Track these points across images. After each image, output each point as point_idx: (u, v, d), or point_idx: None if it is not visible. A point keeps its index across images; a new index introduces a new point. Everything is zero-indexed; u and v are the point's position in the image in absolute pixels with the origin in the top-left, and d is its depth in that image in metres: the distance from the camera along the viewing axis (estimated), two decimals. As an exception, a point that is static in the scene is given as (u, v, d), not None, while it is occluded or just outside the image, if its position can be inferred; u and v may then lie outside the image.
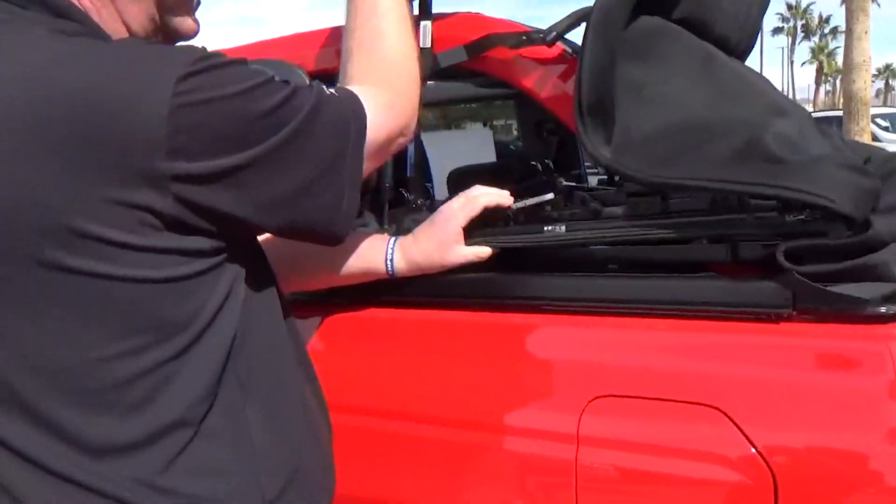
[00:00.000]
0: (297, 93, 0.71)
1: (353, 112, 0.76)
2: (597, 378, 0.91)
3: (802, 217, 0.86)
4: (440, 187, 2.00)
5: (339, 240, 0.78)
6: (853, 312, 0.82)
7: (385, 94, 0.82)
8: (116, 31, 0.73)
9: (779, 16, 61.71)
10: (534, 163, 2.18)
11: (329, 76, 0.96)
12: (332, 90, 0.76)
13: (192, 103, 0.62)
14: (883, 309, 0.81)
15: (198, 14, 0.82)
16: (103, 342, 0.64)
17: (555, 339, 0.99)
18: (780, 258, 0.83)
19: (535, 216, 1.04)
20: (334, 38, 1.21)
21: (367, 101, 0.77)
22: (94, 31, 0.70)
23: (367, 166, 0.80)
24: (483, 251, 1.00)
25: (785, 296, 0.85)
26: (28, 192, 0.60)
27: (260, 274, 0.78)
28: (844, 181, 0.85)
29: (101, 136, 0.60)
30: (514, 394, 0.95)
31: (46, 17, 0.67)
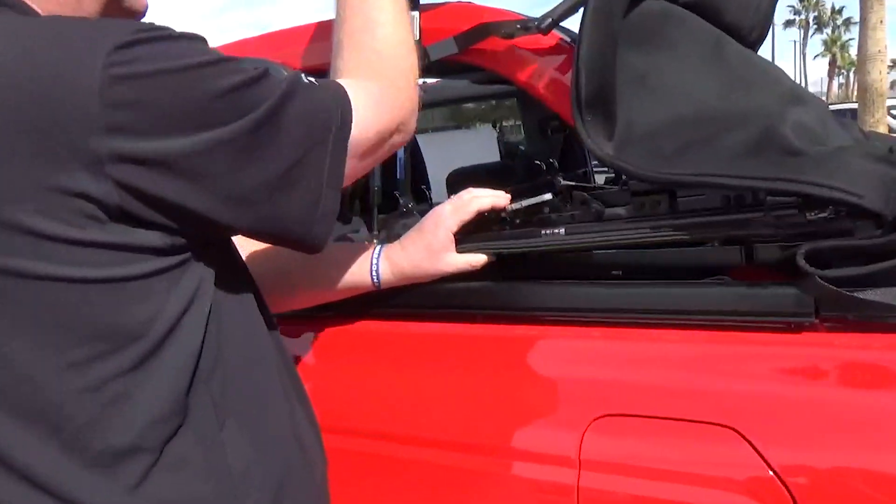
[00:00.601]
0: (266, 76, 0.64)
1: (336, 104, 0.69)
2: (599, 395, 0.85)
3: (825, 215, 0.81)
4: (440, 190, 1.94)
5: (315, 245, 0.70)
6: (882, 321, 0.77)
7: (376, 87, 0.76)
8: (75, 8, 0.68)
9: (790, 8, 61.63)
10: (538, 162, 2.12)
11: (319, 74, 0.90)
12: (312, 79, 0.70)
13: (130, 76, 0.56)
14: (916, 317, 0.75)
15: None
16: (41, 355, 0.58)
17: (553, 352, 0.94)
18: (801, 261, 0.78)
19: (533, 219, 0.98)
20: (326, 33, 1.15)
21: (354, 94, 0.71)
22: (20, 9, 0.64)
23: (359, 166, 0.74)
24: (476, 259, 0.94)
25: (806, 302, 0.79)
26: None
27: (235, 282, 0.72)
28: (872, 174, 0.79)
29: (27, 113, 0.54)
30: (509, 413, 0.90)
31: None
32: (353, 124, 0.69)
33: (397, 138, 0.78)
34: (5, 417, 0.59)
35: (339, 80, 0.73)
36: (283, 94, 0.64)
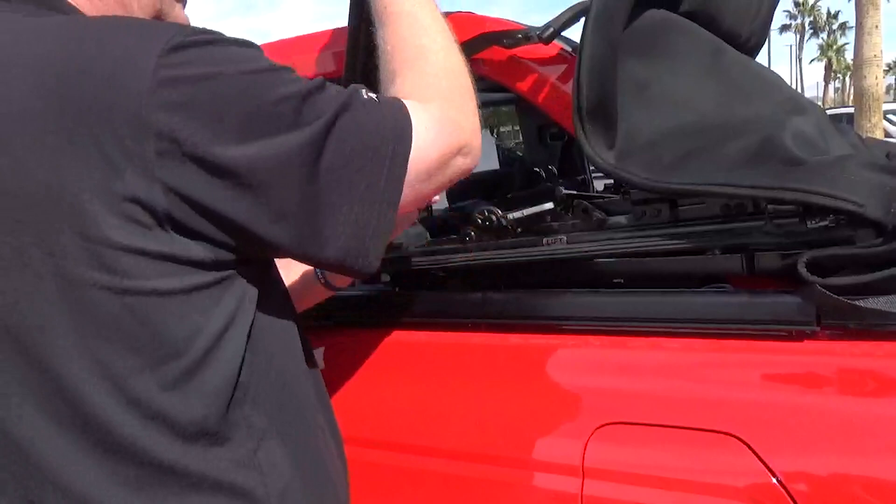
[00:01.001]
0: (324, 88, 0.62)
1: (395, 120, 0.65)
2: (603, 404, 0.85)
3: (826, 223, 0.81)
4: (440, 197, 1.94)
5: (366, 265, 0.65)
6: (884, 329, 0.76)
7: (437, 107, 0.71)
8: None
9: (786, 13, 61.74)
10: (537, 169, 2.12)
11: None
12: (372, 95, 0.66)
13: (180, 78, 0.54)
14: (918, 325, 0.75)
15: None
16: (81, 364, 0.57)
17: (556, 361, 0.93)
18: (802, 269, 0.78)
19: (534, 227, 0.97)
20: (332, 41, 1.16)
21: (415, 114, 0.67)
22: (66, 10, 0.63)
23: (424, 189, 0.69)
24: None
25: (808, 311, 0.79)
26: (7, 181, 0.54)
27: (275, 300, 0.69)
28: (871, 182, 0.79)
29: (82, 116, 0.53)
30: (512, 421, 0.89)
31: (30, 7, 0.62)
32: (413, 142, 0.65)
33: (462, 161, 0.72)
34: (52, 430, 0.58)
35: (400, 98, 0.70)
36: (340, 106, 0.61)
